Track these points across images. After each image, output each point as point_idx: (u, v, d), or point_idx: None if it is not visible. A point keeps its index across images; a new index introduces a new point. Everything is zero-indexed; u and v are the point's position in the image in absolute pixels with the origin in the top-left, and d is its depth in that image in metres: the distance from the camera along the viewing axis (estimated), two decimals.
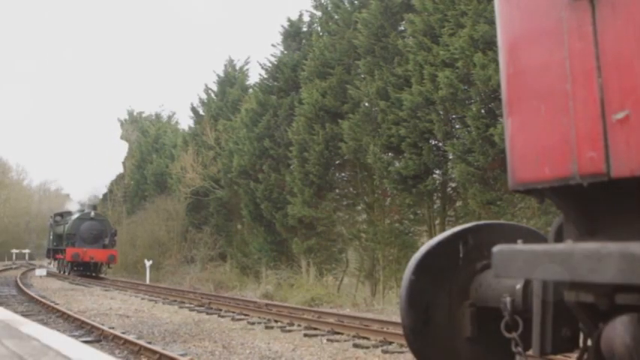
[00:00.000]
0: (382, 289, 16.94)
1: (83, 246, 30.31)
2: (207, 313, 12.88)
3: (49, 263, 41.53)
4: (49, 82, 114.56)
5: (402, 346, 7.92)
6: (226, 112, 27.63)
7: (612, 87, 1.46)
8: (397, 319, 8.19)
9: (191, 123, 32.95)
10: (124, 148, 37.94)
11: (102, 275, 31.41)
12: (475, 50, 12.85)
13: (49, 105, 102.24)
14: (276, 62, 22.62)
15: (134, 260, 32.07)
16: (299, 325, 10.76)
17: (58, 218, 36.60)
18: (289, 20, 22.69)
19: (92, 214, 32.37)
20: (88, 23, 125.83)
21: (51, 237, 37.22)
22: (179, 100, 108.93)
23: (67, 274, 31.50)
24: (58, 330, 8.59)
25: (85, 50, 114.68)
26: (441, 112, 14.44)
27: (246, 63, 30.34)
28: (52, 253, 36.88)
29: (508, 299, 2.06)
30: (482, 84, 12.75)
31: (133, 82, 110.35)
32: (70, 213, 35.21)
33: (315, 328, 10.27)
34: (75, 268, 31.24)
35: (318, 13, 20.99)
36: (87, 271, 30.92)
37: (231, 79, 29.79)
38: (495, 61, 11.43)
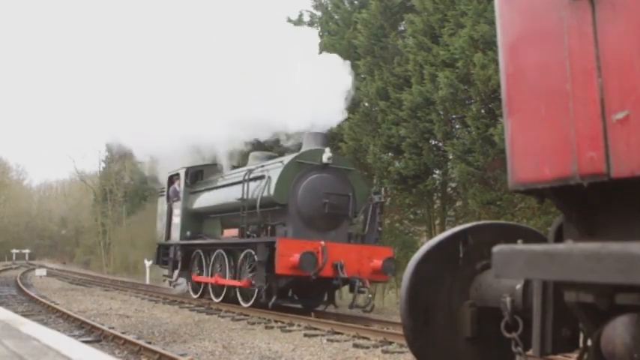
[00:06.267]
0: (382, 289, 16.94)
1: (310, 236, 11.93)
2: (207, 313, 12.87)
3: (167, 278, 16.88)
4: (46, 82, 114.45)
5: (402, 346, 7.91)
6: None
7: (612, 87, 1.46)
8: (397, 319, 8.18)
9: None
10: None
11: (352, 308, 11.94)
12: (475, 50, 12.86)
13: (47, 104, 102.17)
14: None
15: (134, 260, 31.98)
16: (299, 325, 10.74)
17: (187, 183, 15.87)
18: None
19: (326, 156, 12.13)
20: (84, 23, 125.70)
21: (172, 220, 16.36)
22: None
23: (265, 303, 12.25)
24: (58, 330, 8.58)
25: (84, 50, 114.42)
26: (441, 112, 14.45)
27: None
28: (182, 254, 15.40)
29: (508, 299, 2.07)
30: (482, 84, 12.75)
31: None
32: (217, 167, 15.94)
33: (315, 328, 10.26)
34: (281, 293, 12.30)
35: (318, 13, 21.01)
36: (311, 302, 13.21)
37: None
38: (495, 61, 11.44)
